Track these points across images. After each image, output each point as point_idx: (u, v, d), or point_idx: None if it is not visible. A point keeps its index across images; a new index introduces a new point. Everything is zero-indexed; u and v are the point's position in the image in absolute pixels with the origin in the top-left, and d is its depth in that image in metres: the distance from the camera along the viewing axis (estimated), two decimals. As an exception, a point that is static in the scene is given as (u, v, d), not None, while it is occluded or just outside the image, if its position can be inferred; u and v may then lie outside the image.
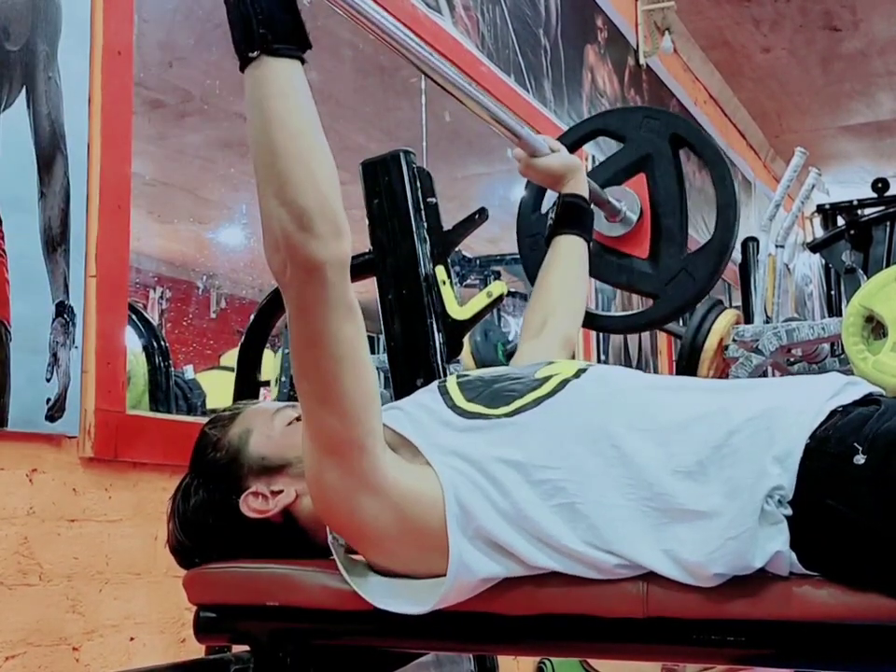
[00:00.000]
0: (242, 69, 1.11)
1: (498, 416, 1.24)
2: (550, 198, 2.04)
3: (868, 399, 1.18)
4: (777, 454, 1.09)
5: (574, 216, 1.81)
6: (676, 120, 2.21)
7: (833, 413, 1.13)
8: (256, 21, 1.09)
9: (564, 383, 1.27)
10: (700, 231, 5.79)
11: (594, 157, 4.27)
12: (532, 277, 1.99)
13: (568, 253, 1.79)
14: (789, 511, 1.08)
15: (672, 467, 1.14)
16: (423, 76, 2.98)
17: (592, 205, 1.87)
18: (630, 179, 2.06)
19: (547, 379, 1.29)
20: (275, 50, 1.09)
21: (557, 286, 1.77)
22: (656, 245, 2.02)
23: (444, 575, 1.17)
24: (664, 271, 2.01)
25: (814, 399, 1.15)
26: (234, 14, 1.11)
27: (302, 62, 1.12)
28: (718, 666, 3.27)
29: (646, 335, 5.04)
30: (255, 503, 1.34)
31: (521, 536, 1.17)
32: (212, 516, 1.37)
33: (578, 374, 1.29)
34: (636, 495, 1.14)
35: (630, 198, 2.04)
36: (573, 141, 2.12)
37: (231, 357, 3.01)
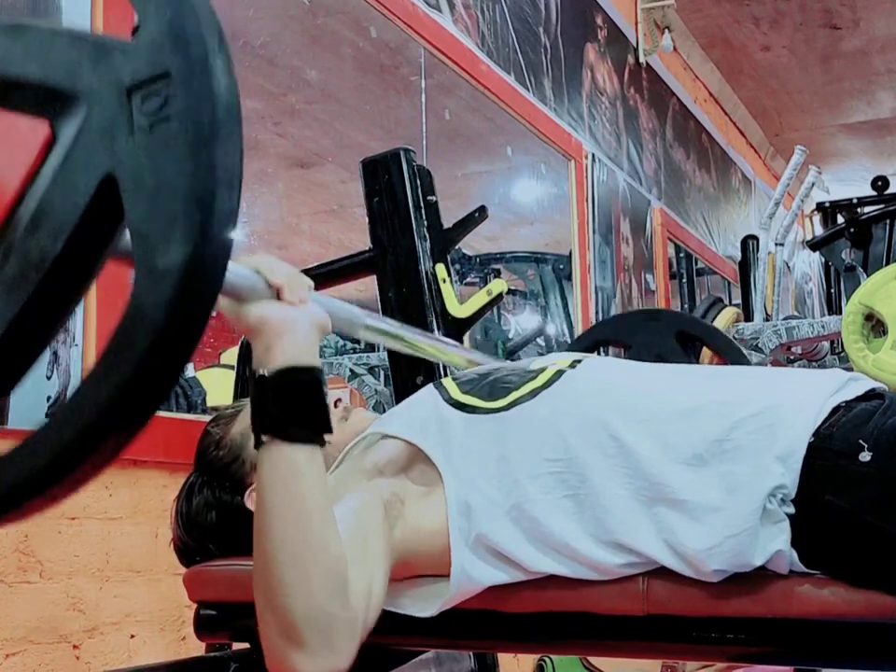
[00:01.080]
0: (256, 447, 1.04)
1: (496, 410, 1.24)
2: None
3: (871, 395, 1.18)
4: (779, 452, 1.09)
5: None
6: (678, 318, 2.22)
7: (836, 410, 1.12)
8: (272, 402, 1.02)
9: (559, 373, 1.27)
10: (700, 230, 5.80)
11: (593, 155, 4.27)
12: None
13: None
14: (791, 509, 1.07)
15: (671, 457, 1.14)
16: (423, 74, 2.97)
17: None
18: None
19: (542, 370, 1.29)
20: (289, 437, 1.02)
21: None
22: None
23: (447, 576, 1.17)
24: None
25: (817, 394, 1.15)
26: (254, 389, 1.03)
27: (322, 443, 1.04)
28: (718, 664, 3.27)
29: (646, 333, 5.03)
30: None
31: (523, 539, 1.17)
32: (216, 514, 1.38)
33: (573, 365, 1.29)
34: (634, 484, 1.14)
35: None
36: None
37: (231, 355, 3.01)
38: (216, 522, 1.37)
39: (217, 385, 2.96)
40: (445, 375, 1.80)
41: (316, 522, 1.02)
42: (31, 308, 0.73)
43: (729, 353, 2.07)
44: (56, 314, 0.76)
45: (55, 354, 1.86)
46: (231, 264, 0.90)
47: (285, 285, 1.04)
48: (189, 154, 0.69)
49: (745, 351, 3.34)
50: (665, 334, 2.04)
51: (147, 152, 0.70)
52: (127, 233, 0.72)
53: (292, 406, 1.02)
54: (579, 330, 3.94)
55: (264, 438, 1.02)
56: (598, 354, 1.84)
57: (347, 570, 1.04)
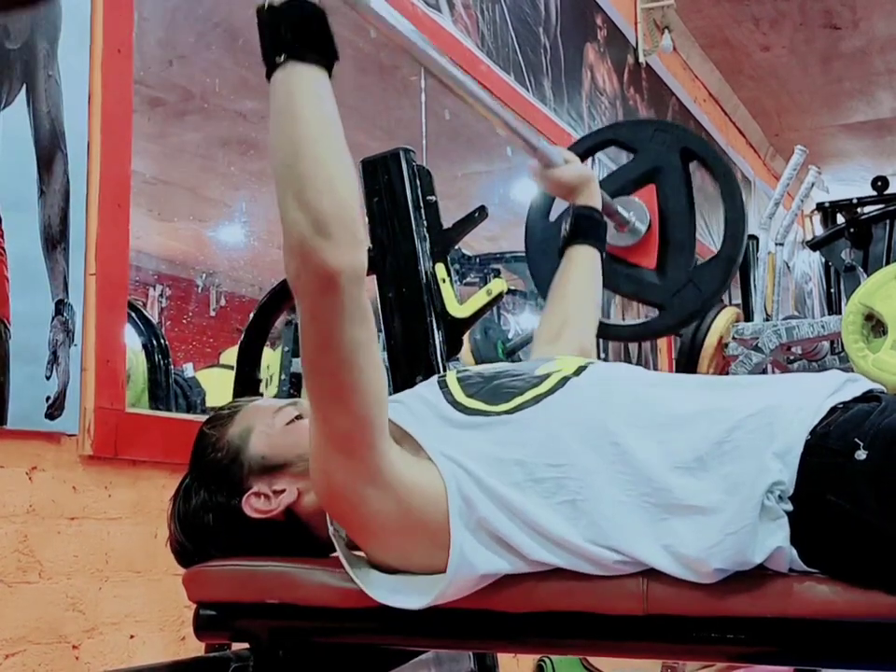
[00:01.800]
0: (268, 75, 1.12)
1: (499, 413, 1.24)
2: (558, 204, 2.04)
3: (868, 396, 1.18)
4: (777, 449, 1.09)
5: (588, 227, 1.80)
6: (686, 134, 2.22)
7: (833, 410, 1.13)
8: (285, 28, 1.10)
9: (564, 380, 1.27)
10: (700, 229, 5.80)
11: (599, 160, 4.27)
12: (539, 283, 2.00)
13: (583, 263, 1.78)
14: (789, 507, 1.08)
15: (672, 462, 1.14)
16: (423, 74, 2.97)
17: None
18: (639, 190, 2.06)
19: (547, 376, 1.29)
20: (302, 57, 1.10)
21: (572, 295, 1.76)
22: (664, 257, 2.03)
23: (444, 571, 1.17)
24: (670, 282, 2.02)
25: (814, 395, 1.15)
26: (264, 20, 1.11)
27: (330, 73, 1.13)
28: (718, 664, 3.27)
29: (646, 333, 5.04)
30: (257, 503, 1.34)
31: (522, 530, 1.17)
32: (213, 517, 1.37)
33: (578, 372, 1.29)
34: (635, 490, 1.14)
35: (639, 209, 2.04)
36: (584, 150, 2.13)
37: (230, 356, 3.01)
38: (213, 524, 1.37)
39: (217, 385, 2.97)
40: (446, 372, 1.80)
41: (337, 133, 1.12)
42: None
43: (723, 181, 2.06)
44: None
45: (54, 354, 1.86)
46: None
47: None
48: None
49: (745, 350, 3.34)
50: (672, 147, 2.04)
51: None
52: None
53: (305, 30, 1.11)
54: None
55: (279, 59, 1.10)
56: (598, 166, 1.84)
57: (356, 178, 1.15)
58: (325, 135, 1.11)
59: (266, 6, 1.11)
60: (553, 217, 2.15)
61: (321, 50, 1.12)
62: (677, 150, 2.05)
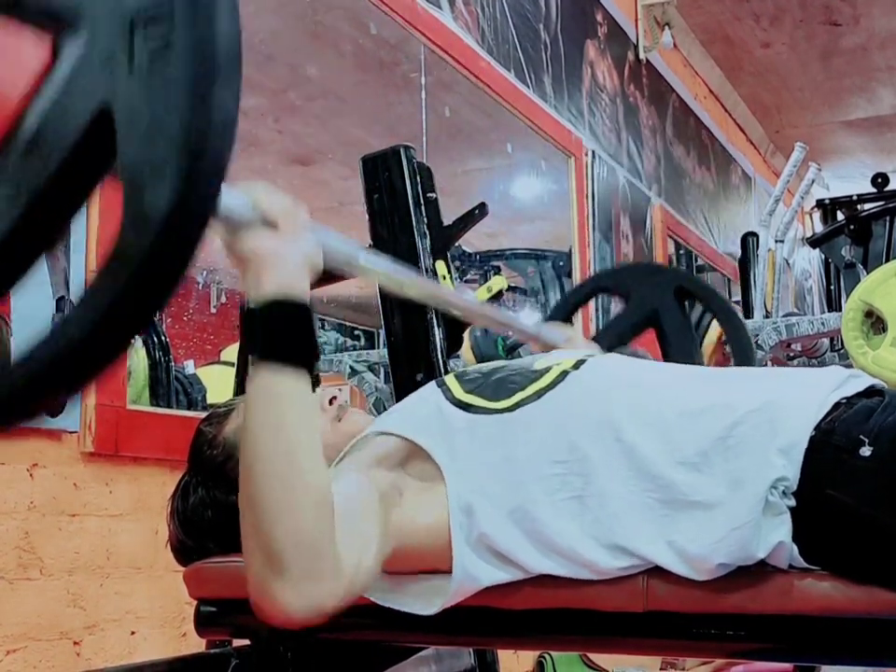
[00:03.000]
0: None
1: (500, 410, 1.24)
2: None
3: (871, 391, 1.18)
4: (781, 445, 1.09)
5: None
6: (678, 276, 2.22)
7: (836, 406, 1.13)
8: (261, 332, 1.03)
9: (564, 374, 1.27)
10: (700, 227, 5.80)
11: (593, 151, 4.27)
12: None
13: None
14: (792, 503, 1.08)
15: (676, 458, 1.14)
16: (423, 70, 2.97)
17: None
18: (639, 336, 2.06)
19: (547, 370, 1.28)
20: (274, 360, 1.01)
21: None
22: None
23: (446, 572, 1.17)
24: None
25: (817, 390, 1.15)
26: (246, 318, 1.05)
27: (310, 372, 1.04)
28: (717, 660, 3.27)
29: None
30: None
31: (524, 539, 1.17)
32: (213, 513, 1.37)
33: (577, 365, 1.29)
34: (639, 486, 1.14)
35: (643, 358, 2.04)
36: (575, 303, 2.14)
37: (231, 353, 3.01)
38: (212, 521, 1.37)
39: (217, 382, 2.96)
40: (446, 372, 1.80)
41: (303, 449, 1.01)
42: (18, 230, 0.73)
43: (724, 315, 2.07)
44: (43, 238, 0.76)
45: (55, 351, 1.86)
46: (226, 191, 0.90)
47: (279, 215, 1.04)
48: (185, 96, 0.67)
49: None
50: (665, 289, 2.04)
51: (145, 88, 0.69)
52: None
53: (280, 335, 1.02)
54: (578, 327, 3.94)
55: (252, 363, 1.02)
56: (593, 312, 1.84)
57: (332, 506, 1.02)
58: (288, 459, 1.00)
59: (248, 307, 1.03)
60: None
61: (297, 357, 1.02)
62: (670, 291, 2.05)
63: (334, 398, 1.43)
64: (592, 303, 4.18)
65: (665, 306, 2.04)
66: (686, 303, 2.06)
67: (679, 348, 2.02)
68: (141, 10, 0.69)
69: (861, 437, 1.07)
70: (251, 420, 1.02)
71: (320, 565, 1.00)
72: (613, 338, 2.02)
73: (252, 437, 1.01)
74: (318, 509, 1.00)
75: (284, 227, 1.04)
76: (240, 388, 2.11)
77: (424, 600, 1.19)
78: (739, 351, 2.05)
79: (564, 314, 2.12)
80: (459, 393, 1.29)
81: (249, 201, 1.03)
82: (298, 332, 1.03)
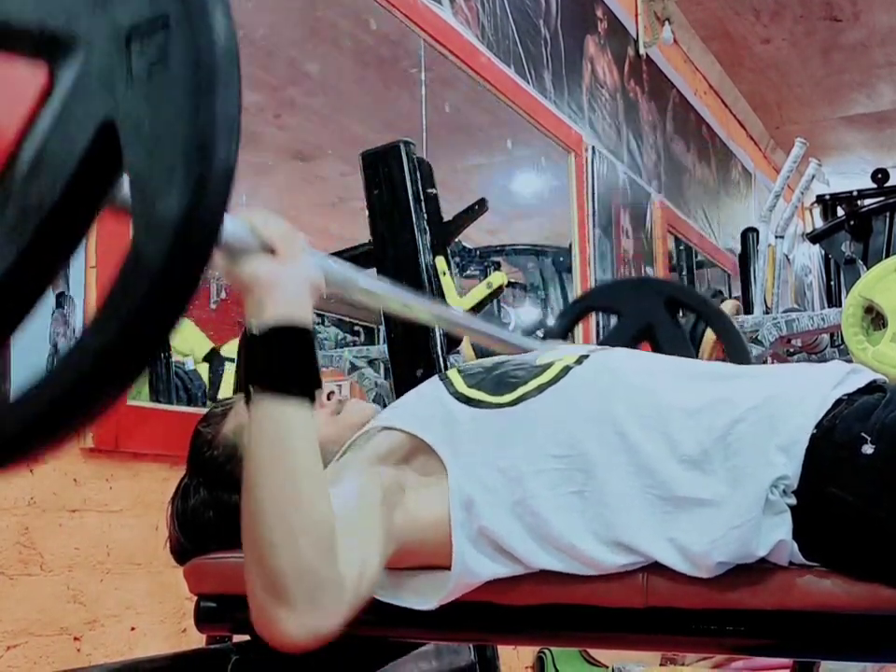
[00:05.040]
0: (246, 403, 1.04)
1: (502, 405, 1.24)
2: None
3: (872, 387, 1.18)
4: (781, 443, 1.09)
5: None
6: (667, 287, 2.23)
7: (838, 402, 1.13)
8: (263, 360, 1.02)
9: (566, 369, 1.27)
10: (700, 222, 5.79)
11: (594, 147, 4.27)
12: None
13: None
14: (792, 501, 1.08)
15: (676, 455, 1.14)
16: (423, 66, 2.97)
17: None
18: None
19: (549, 365, 1.28)
20: (276, 390, 1.01)
21: None
22: None
23: (446, 567, 1.17)
24: None
25: (818, 387, 1.15)
26: (248, 344, 1.04)
27: (312, 400, 1.04)
28: (717, 656, 3.27)
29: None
30: None
31: (524, 534, 1.17)
32: (214, 514, 1.37)
33: (580, 361, 1.29)
34: (640, 482, 1.14)
35: None
36: (567, 324, 2.14)
37: (231, 349, 3.01)
38: (214, 521, 1.37)
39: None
40: (446, 368, 1.80)
41: (305, 477, 1.01)
42: (29, 254, 0.73)
43: (717, 322, 2.07)
44: (54, 260, 0.76)
45: (55, 346, 1.86)
46: (226, 218, 0.90)
47: (278, 240, 1.04)
48: (187, 102, 0.68)
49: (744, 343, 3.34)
50: (656, 302, 2.05)
51: (146, 99, 0.69)
52: (126, 182, 0.72)
53: (281, 362, 1.02)
54: (579, 340, 3.94)
55: (253, 392, 1.01)
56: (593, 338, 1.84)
57: (335, 532, 1.02)
58: (289, 486, 1.00)
59: (249, 333, 1.03)
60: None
61: (299, 385, 1.02)
62: (661, 303, 2.05)
63: (332, 392, 1.43)
64: (592, 318, 4.19)
65: (658, 319, 2.05)
66: (679, 313, 2.07)
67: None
68: (135, 25, 0.70)
69: (863, 434, 1.07)
70: (253, 450, 1.02)
71: (322, 593, 1.00)
72: None
73: (254, 467, 1.02)
74: (320, 539, 1.01)
75: (283, 251, 1.04)
76: (238, 386, 2.11)
77: (423, 595, 1.20)
78: (734, 353, 2.05)
79: (560, 332, 2.14)
80: (462, 387, 1.29)
81: (248, 227, 1.03)
82: (299, 361, 1.03)
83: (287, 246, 1.04)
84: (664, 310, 2.04)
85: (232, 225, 1.01)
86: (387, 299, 1.32)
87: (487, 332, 1.61)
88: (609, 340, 2.14)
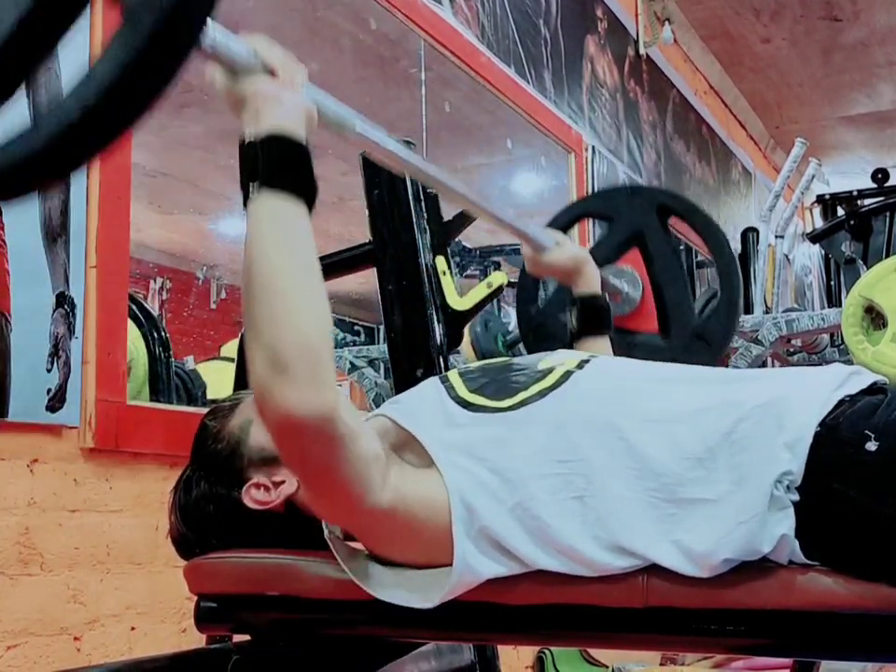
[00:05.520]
0: (245, 204, 1.09)
1: (503, 409, 1.24)
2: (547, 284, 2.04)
3: (874, 388, 1.18)
4: (786, 440, 1.09)
5: (595, 317, 1.80)
6: (659, 193, 2.22)
7: (840, 403, 1.13)
8: (263, 159, 1.08)
9: (567, 374, 1.27)
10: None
11: (594, 147, 4.27)
12: None
13: (597, 351, 1.77)
14: (796, 497, 1.08)
15: (680, 455, 1.14)
16: (423, 66, 2.97)
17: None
18: (624, 256, 2.06)
19: (550, 370, 1.28)
20: (277, 187, 1.07)
21: None
22: (664, 318, 2.02)
23: (447, 565, 1.17)
24: (677, 341, 2.01)
25: (821, 388, 1.15)
26: (244, 152, 1.10)
27: (309, 206, 1.10)
28: (717, 656, 3.27)
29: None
30: (257, 494, 1.34)
31: (525, 535, 1.17)
32: (214, 508, 1.37)
33: (581, 365, 1.29)
34: (643, 486, 1.14)
35: (630, 276, 2.03)
36: (561, 226, 2.13)
37: (231, 348, 3.01)
38: (214, 515, 1.37)
39: (218, 377, 2.97)
40: (447, 368, 1.80)
41: (305, 266, 1.07)
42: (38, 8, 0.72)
43: (707, 232, 2.06)
44: (63, 18, 0.75)
45: (55, 346, 1.86)
46: (230, 37, 0.93)
47: (279, 65, 1.11)
48: None
49: (745, 343, 3.34)
50: (647, 209, 2.04)
51: None
52: None
53: (280, 162, 1.08)
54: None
55: (254, 189, 1.07)
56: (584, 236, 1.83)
57: (330, 324, 1.08)
58: (290, 268, 1.06)
59: (246, 141, 1.09)
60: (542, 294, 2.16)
61: (298, 184, 1.09)
62: (653, 210, 2.04)
63: None
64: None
65: (649, 226, 2.04)
66: (669, 224, 2.07)
67: (663, 266, 2.03)
68: None
69: (867, 432, 1.07)
70: (256, 235, 1.07)
71: (322, 370, 1.04)
72: (599, 260, 2.02)
73: (256, 251, 1.06)
74: (320, 321, 1.06)
75: (283, 76, 1.11)
76: (240, 384, 2.11)
77: (423, 593, 1.20)
78: (722, 267, 2.04)
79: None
80: (463, 392, 1.29)
81: (252, 49, 1.09)
82: (296, 163, 1.09)
83: (287, 72, 1.11)
84: (655, 217, 2.03)
85: (237, 45, 1.05)
86: (379, 149, 1.33)
87: (474, 200, 1.60)
88: (600, 246, 2.13)
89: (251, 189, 1.07)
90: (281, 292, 1.05)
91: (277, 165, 1.08)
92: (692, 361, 1.99)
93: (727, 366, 3.42)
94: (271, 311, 1.04)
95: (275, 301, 1.04)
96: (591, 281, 1.80)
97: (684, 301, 2.03)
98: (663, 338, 2.02)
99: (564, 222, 2.14)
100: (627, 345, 2.03)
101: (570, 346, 1.79)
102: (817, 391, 1.15)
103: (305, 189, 1.09)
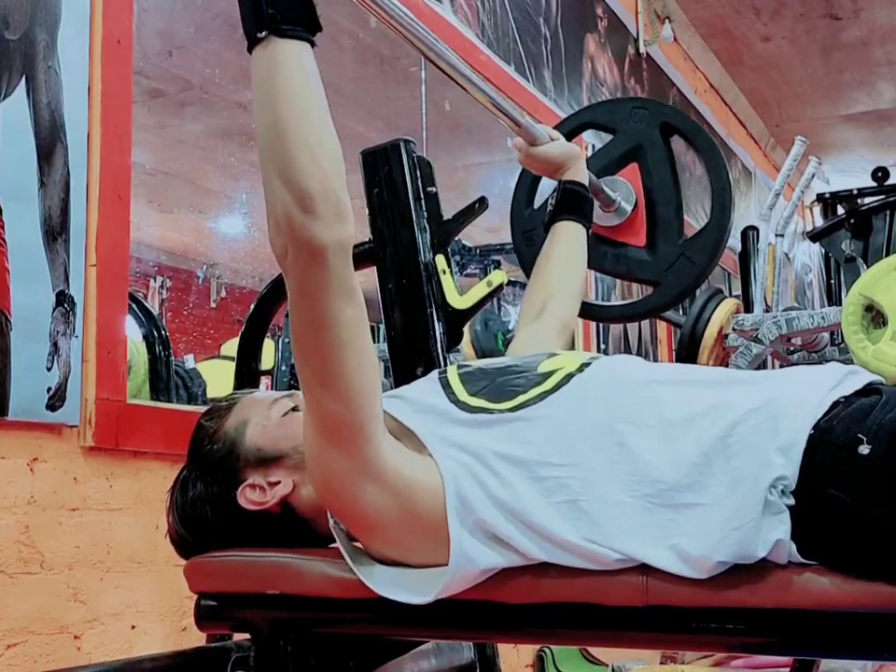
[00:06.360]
0: (250, 49, 1.11)
1: (502, 411, 1.24)
2: (542, 191, 2.04)
3: (869, 389, 1.18)
4: (780, 444, 1.09)
5: (574, 202, 1.80)
6: (665, 109, 2.22)
7: (835, 405, 1.13)
8: (265, 2, 1.09)
9: (568, 377, 1.27)
10: (700, 221, 5.79)
11: (593, 146, 4.27)
12: (527, 271, 1.99)
13: (568, 239, 1.79)
14: (791, 501, 1.08)
15: (677, 461, 1.14)
16: (423, 65, 2.97)
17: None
18: (623, 169, 2.07)
19: (551, 373, 1.28)
20: (284, 31, 1.10)
21: (557, 271, 1.76)
22: (653, 233, 2.04)
23: (445, 564, 1.17)
24: (662, 257, 2.03)
25: (815, 390, 1.15)
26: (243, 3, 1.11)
27: (312, 44, 1.13)
28: (717, 654, 3.28)
29: (645, 324, 5.05)
30: (252, 495, 1.34)
31: (519, 530, 1.17)
32: (210, 509, 1.37)
33: (581, 368, 1.28)
34: (640, 491, 1.14)
35: (624, 188, 2.04)
36: (566, 133, 2.13)
37: (231, 347, 3.01)
38: (210, 516, 1.37)
39: (217, 376, 2.97)
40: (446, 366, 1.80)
41: (322, 113, 1.12)
42: None
43: (707, 154, 2.07)
44: None
45: (55, 345, 1.86)
46: None
47: None
48: None
49: (745, 341, 3.34)
50: (651, 124, 2.05)
51: None
52: None
53: (286, 4, 1.10)
54: (578, 323, 3.93)
55: (260, 35, 1.09)
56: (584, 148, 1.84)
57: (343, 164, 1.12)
58: (308, 111, 1.10)
59: None
60: (537, 203, 2.15)
61: (303, 24, 1.12)
62: (656, 126, 2.05)
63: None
64: (592, 325, 4.16)
65: (650, 141, 2.05)
66: (671, 140, 2.07)
67: (660, 183, 2.04)
68: None
69: (860, 435, 1.07)
70: (265, 88, 1.10)
71: (345, 209, 1.11)
72: (597, 171, 2.02)
73: (269, 99, 1.10)
74: (336, 160, 1.11)
75: None
76: (239, 383, 2.11)
77: (422, 588, 1.19)
78: (717, 190, 2.05)
79: None
80: (463, 395, 1.29)
81: None
82: (301, 2, 1.12)
83: None
84: (657, 133, 2.04)
85: None
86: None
87: (467, 76, 1.61)
88: (598, 156, 2.13)
89: (256, 34, 1.10)
90: (304, 136, 1.09)
91: (283, 10, 1.10)
92: (674, 279, 2.02)
93: (727, 365, 3.42)
94: (296, 154, 1.08)
95: (299, 145, 1.09)
96: (578, 174, 1.82)
97: (675, 220, 2.04)
98: (648, 253, 2.04)
99: (567, 130, 2.14)
100: (612, 256, 2.05)
101: (546, 231, 1.80)
102: (811, 393, 1.15)
103: (311, 30, 1.13)
